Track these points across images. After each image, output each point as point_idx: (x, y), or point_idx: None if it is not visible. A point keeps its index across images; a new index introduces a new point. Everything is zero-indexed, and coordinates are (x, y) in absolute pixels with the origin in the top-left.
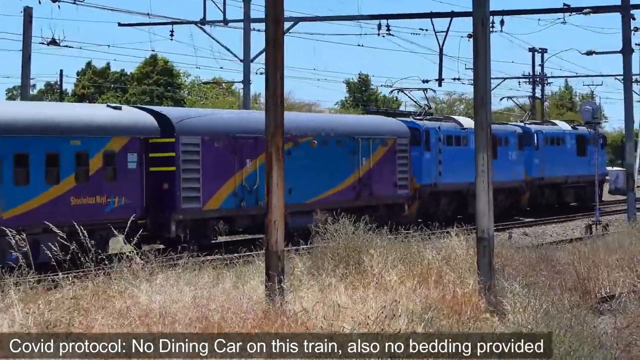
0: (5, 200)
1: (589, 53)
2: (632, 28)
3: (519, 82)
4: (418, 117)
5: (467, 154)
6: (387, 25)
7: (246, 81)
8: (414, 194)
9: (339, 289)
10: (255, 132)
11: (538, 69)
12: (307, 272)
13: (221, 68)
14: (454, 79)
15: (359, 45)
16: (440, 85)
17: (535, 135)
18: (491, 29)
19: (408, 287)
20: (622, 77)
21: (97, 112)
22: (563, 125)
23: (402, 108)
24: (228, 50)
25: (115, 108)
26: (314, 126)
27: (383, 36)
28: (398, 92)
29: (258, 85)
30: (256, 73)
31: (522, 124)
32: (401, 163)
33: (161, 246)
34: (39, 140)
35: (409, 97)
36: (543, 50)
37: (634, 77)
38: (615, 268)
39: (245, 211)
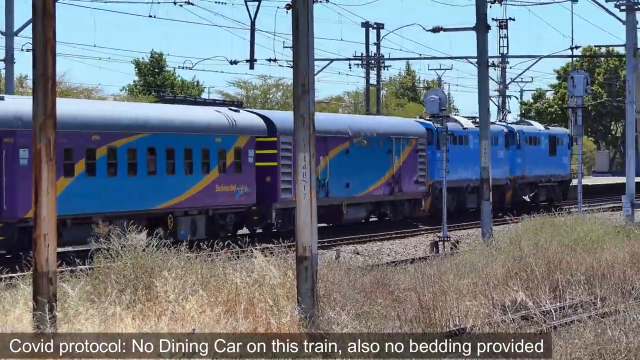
0: (177, 190)
1: (436, 30)
2: (487, 0)
3: (350, 64)
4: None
5: (467, 153)
6: None
7: (9, 59)
8: (428, 190)
9: (126, 319)
10: (326, 132)
11: (373, 49)
12: (86, 298)
13: None
14: (270, 60)
15: (150, 16)
16: (252, 67)
17: (517, 135)
18: None
19: (211, 317)
20: (475, 59)
21: (228, 114)
22: (537, 125)
23: (204, 95)
24: None
25: (235, 110)
26: (363, 127)
27: (181, 5)
28: None
29: (24, 64)
30: (22, 49)
31: (505, 124)
32: (421, 161)
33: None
34: (198, 137)
35: None
36: (379, 26)
37: (490, 60)
38: (467, 295)
39: (319, 202)
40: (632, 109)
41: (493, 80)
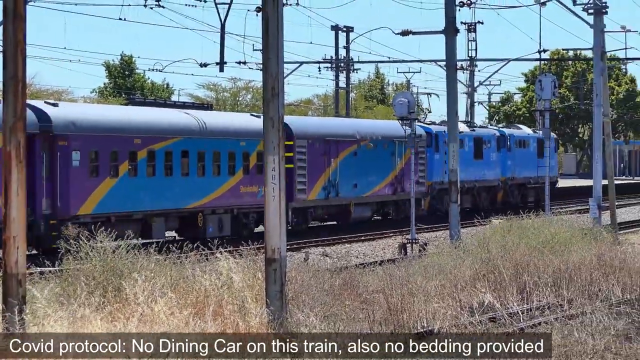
0: (206, 190)
1: (405, 33)
2: (456, 3)
3: (320, 67)
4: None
5: (463, 155)
6: None
7: None
8: (427, 190)
9: (94, 321)
10: (337, 135)
11: (343, 52)
12: (55, 300)
13: None
14: (239, 62)
15: (120, 19)
16: (221, 70)
17: (508, 138)
18: (285, 2)
19: (180, 320)
20: (444, 62)
21: (249, 119)
22: (526, 129)
23: (174, 98)
24: None
25: (257, 116)
26: (369, 131)
27: (151, 8)
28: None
29: None
30: None
31: (497, 128)
32: (421, 163)
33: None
34: (225, 141)
35: None
36: (349, 29)
37: (458, 63)
38: (435, 297)
39: (330, 202)
40: (599, 112)
41: (461, 83)
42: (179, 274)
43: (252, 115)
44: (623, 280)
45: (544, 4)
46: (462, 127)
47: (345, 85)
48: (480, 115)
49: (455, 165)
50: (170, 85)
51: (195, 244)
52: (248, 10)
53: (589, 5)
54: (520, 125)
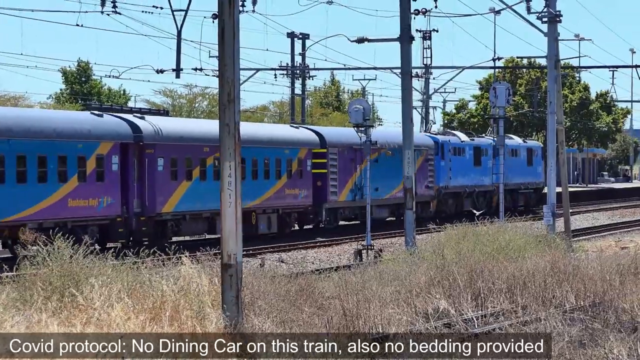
0: (258, 192)
1: (360, 40)
2: (412, 11)
3: (275, 74)
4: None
5: (464, 162)
6: (113, 1)
7: None
8: (435, 194)
9: (51, 326)
10: (362, 144)
11: (298, 59)
12: (12, 305)
13: None
14: (196, 69)
15: (78, 25)
16: (178, 76)
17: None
18: (242, 9)
19: (136, 325)
20: (399, 70)
21: (290, 130)
22: (517, 139)
23: (130, 104)
24: None
25: (296, 127)
26: (388, 139)
27: (108, 14)
28: None
29: None
30: None
31: (492, 138)
32: (430, 169)
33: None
34: (274, 149)
35: None
36: (304, 36)
37: (414, 71)
38: (390, 303)
39: (356, 203)
40: (553, 119)
41: (417, 90)
42: (135, 279)
43: (291, 126)
44: (577, 287)
45: (498, 12)
46: (463, 137)
47: (301, 92)
48: (436, 122)
49: (411, 172)
50: (126, 92)
51: (152, 250)
52: (204, 17)
53: (543, 14)
54: (512, 136)
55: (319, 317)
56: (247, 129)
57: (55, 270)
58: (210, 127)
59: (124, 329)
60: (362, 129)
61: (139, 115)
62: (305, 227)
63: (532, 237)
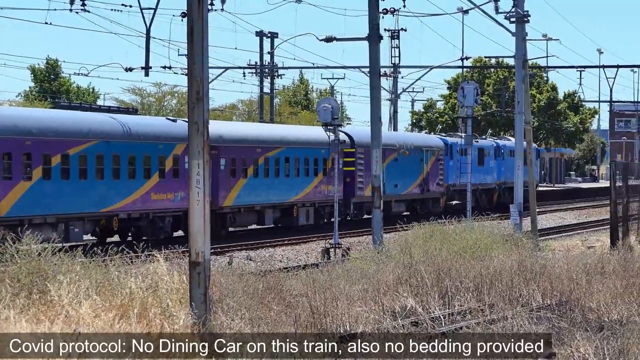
0: (299, 188)
1: (329, 39)
2: (380, 10)
3: (244, 72)
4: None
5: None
6: None
7: None
8: (445, 191)
9: (19, 323)
10: (385, 144)
11: (267, 58)
12: None
13: None
14: (165, 67)
15: (46, 23)
16: (147, 74)
17: (502, 148)
18: (211, 7)
19: (104, 322)
20: (368, 69)
21: (320, 131)
22: (513, 140)
23: (99, 102)
24: None
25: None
26: (406, 141)
27: (77, 12)
28: None
29: None
30: None
31: (493, 140)
32: (440, 168)
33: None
34: (312, 150)
35: None
36: (273, 35)
37: (382, 70)
38: (358, 301)
39: (384, 197)
40: (521, 119)
41: (385, 90)
42: (104, 277)
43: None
44: (543, 285)
45: (466, 12)
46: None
47: (269, 91)
48: (404, 122)
49: (378, 171)
50: (95, 90)
51: (120, 248)
52: (173, 15)
53: (511, 14)
54: (510, 138)
55: (287, 315)
56: (293, 131)
57: (24, 267)
58: (262, 130)
59: (92, 326)
60: (331, 127)
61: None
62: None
63: (499, 237)
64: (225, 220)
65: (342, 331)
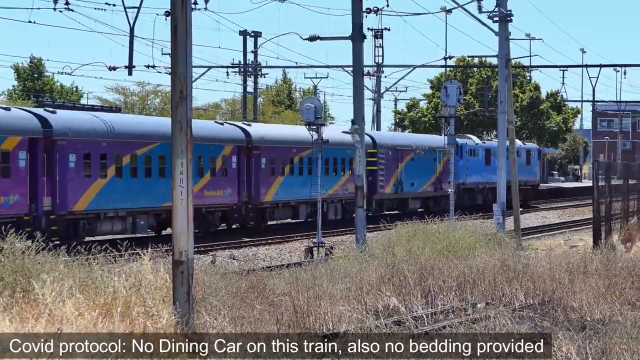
0: (329, 185)
1: (312, 39)
2: (363, 10)
3: (228, 72)
4: None
5: (478, 162)
6: None
7: None
8: (455, 190)
9: (3, 322)
10: (402, 145)
11: (251, 57)
12: None
13: None
14: (148, 66)
15: (30, 22)
16: (130, 73)
17: (507, 149)
18: (194, 6)
19: (88, 320)
20: (351, 68)
21: (345, 135)
22: (518, 142)
23: (83, 101)
24: None
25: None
26: (421, 142)
27: (60, 11)
28: None
29: None
30: None
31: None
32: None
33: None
34: (342, 150)
35: None
36: (257, 34)
37: (365, 69)
38: (341, 300)
39: (398, 195)
40: (503, 118)
41: (368, 89)
42: (87, 275)
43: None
44: (526, 285)
45: (450, 11)
46: (476, 139)
47: (253, 90)
48: (387, 121)
49: (362, 170)
50: (79, 89)
51: (103, 247)
52: (157, 14)
53: (494, 14)
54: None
55: (270, 314)
56: (329, 133)
57: (7, 266)
58: (297, 131)
59: (76, 325)
60: (314, 127)
61: (247, 122)
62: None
63: (482, 236)
64: (265, 215)
65: (325, 330)
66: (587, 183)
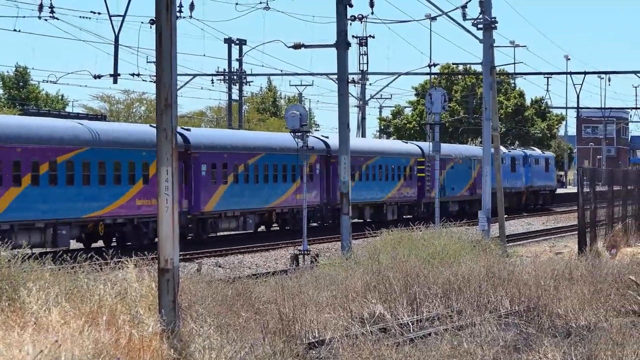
0: (388, 189)
1: (297, 46)
2: (348, 17)
3: (213, 79)
4: None
5: (504, 169)
6: (51, 6)
7: None
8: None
9: None
10: (445, 154)
11: (236, 65)
12: None
13: None
14: (133, 74)
15: (15, 30)
16: (115, 82)
17: (529, 157)
18: (179, 14)
19: (74, 329)
20: (336, 76)
21: (405, 144)
22: (538, 150)
23: (68, 109)
24: None
25: (406, 142)
26: (460, 151)
27: (45, 19)
28: None
29: None
30: None
31: (521, 150)
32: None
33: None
34: (396, 159)
35: None
36: (241, 42)
37: (350, 77)
38: (326, 307)
39: (442, 199)
40: (488, 125)
41: (353, 96)
42: (73, 284)
43: (403, 142)
44: (511, 292)
45: (434, 18)
46: (502, 148)
47: (238, 98)
48: (372, 128)
49: (347, 176)
50: (64, 97)
51: (89, 255)
52: (142, 22)
53: (478, 21)
54: (534, 147)
55: (256, 321)
56: (386, 144)
57: None
58: (364, 142)
59: (62, 333)
60: (300, 134)
61: (325, 135)
62: (405, 217)
63: (467, 243)
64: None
65: (311, 337)
66: (572, 189)
